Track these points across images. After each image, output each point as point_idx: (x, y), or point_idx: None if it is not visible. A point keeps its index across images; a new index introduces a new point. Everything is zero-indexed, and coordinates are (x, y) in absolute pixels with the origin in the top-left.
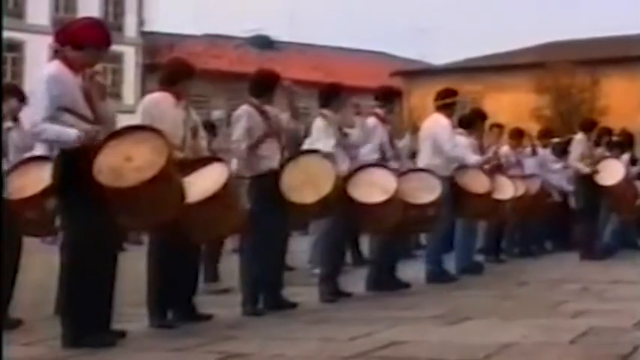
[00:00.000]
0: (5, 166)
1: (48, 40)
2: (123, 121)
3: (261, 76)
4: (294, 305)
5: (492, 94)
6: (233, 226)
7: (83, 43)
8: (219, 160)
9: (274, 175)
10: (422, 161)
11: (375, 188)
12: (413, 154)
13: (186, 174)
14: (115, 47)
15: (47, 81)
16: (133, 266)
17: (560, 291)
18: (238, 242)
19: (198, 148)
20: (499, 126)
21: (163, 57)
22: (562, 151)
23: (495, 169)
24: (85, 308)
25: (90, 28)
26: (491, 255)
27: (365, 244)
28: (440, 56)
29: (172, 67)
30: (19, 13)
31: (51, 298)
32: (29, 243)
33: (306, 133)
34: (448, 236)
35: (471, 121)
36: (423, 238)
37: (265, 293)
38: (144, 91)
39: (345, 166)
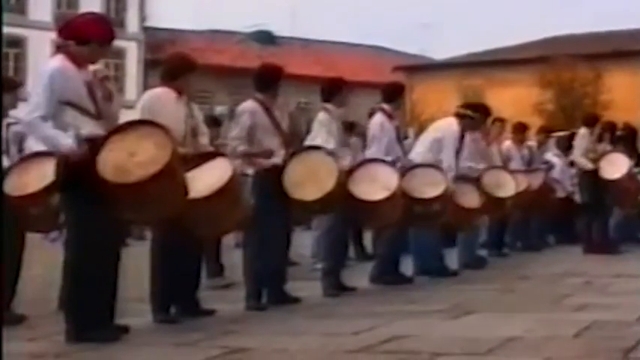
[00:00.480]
0: (6, 162)
1: (50, 36)
2: (125, 116)
3: (266, 70)
4: (297, 300)
5: (495, 88)
6: (237, 221)
7: (87, 38)
8: (222, 155)
9: (277, 171)
10: (417, 154)
11: (376, 185)
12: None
13: (190, 169)
14: (116, 43)
15: (51, 75)
16: (136, 262)
17: (563, 285)
18: (241, 237)
19: (199, 145)
20: (501, 120)
21: (165, 52)
22: (565, 146)
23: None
24: (89, 304)
25: (93, 23)
26: (494, 249)
27: (368, 239)
28: (441, 51)
29: (173, 62)
30: (21, 9)
31: (54, 294)
32: (32, 239)
33: (309, 129)
34: (452, 231)
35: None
36: None
37: (268, 288)
38: (146, 87)
39: (347, 162)
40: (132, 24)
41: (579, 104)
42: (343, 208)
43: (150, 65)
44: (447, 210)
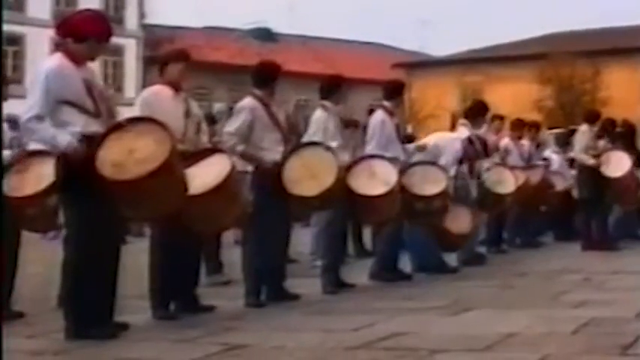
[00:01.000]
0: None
1: (49, 34)
2: (124, 113)
3: (263, 67)
4: (296, 297)
5: (494, 85)
6: (235, 217)
7: (85, 35)
8: (221, 151)
9: (276, 168)
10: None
11: (375, 180)
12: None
13: (189, 165)
14: (115, 40)
15: (47, 74)
16: (136, 258)
17: (561, 281)
18: (240, 234)
19: (200, 142)
20: (500, 117)
21: (164, 50)
22: (564, 143)
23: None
24: (88, 301)
25: (91, 20)
26: (492, 246)
27: (367, 235)
28: (441, 48)
29: (164, 56)
30: (19, 6)
31: (54, 292)
32: (31, 237)
33: (307, 125)
34: None
35: (476, 113)
36: None
37: (268, 285)
38: (145, 84)
39: (346, 158)
40: (130, 21)
41: (578, 101)
42: (342, 203)
43: (148, 62)
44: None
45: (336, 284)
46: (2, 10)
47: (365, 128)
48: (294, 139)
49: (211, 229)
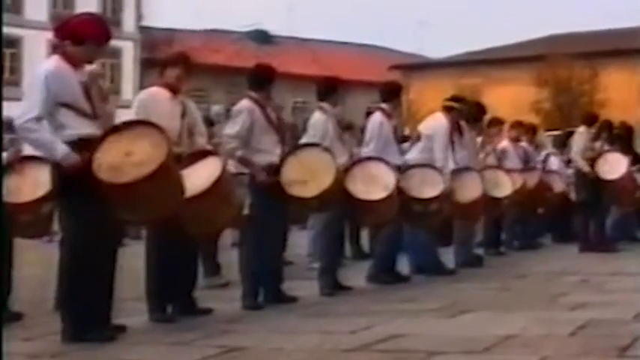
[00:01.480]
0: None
1: (46, 36)
2: (122, 116)
3: (259, 70)
4: (293, 299)
5: (492, 87)
6: (228, 219)
7: (83, 38)
8: (213, 153)
9: (274, 169)
10: (411, 153)
11: (374, 183)
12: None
13: (182, 168)
14: (113, 42)
15: (46, 77)
16: (133, 261)
17: (559, 283)
18: (237, 236)
19: (195, 143)
20: (499, 122)
21: (162, 52)
22: (562, 145)
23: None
24: (85, 303)
25: (90, 23)
26: (490, 248)
27: (365, 238)
28: (438, 50)
29: (164, 59)
30: (17, 8)
31: (51, 294)
32: (27, 240)
33: (305, 127)
34: (448, 229)
35: (474, 116)
36: None
37: (265, 287)
38: (142, 86)
39: (343, 160)
40: (128, 23)
41: (576, 103)
42: (340, 205)
43: (146, 65)
44: (446, 209)
45: (333, 286)
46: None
47: (362, 130)
48: (291, 139)
49: (204, 230)
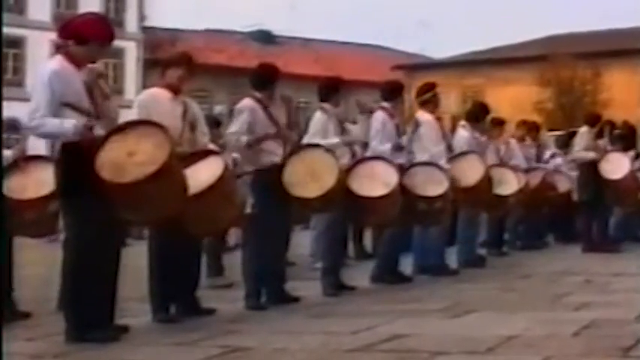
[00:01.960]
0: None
1: (49, 36)
2: (124, 116)
3: (262, 70)
4: (296, 299)
5: (494, 87)
6: (230, 219)
7: (86, 38)
8: (215, 153)
9: (277, 170)
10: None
11: (376, 182)
12: None
13: (184, 167)
14: (116, 42)
15: (50, 77)
16: (136, 261)
17: (562, 283)
18: (240, 237)
19: (196, 142)
20: (501, 122)
21: (164, 52)
22: (565, 145)
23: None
24: (88, 303)
25: (93, 23)
26: (494, 248)
27: (368, 238)
28: (441, 50)
29: (166, 59)
30: (20, 8)
31: (54, 294)
32: (31, 239)
33: (307, 127)
34: (451, 229)
35: (477, 115)
36: None
37: (268, 287)
38: (145, 86)
39: (346, 160)
40: (131, 24)
41: (579, 103)
42: (343, 205)
43: (149, 65)
44: (450, 207)
45: (336, 287)
46: (2, 13)
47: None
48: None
49: (205, 230)
